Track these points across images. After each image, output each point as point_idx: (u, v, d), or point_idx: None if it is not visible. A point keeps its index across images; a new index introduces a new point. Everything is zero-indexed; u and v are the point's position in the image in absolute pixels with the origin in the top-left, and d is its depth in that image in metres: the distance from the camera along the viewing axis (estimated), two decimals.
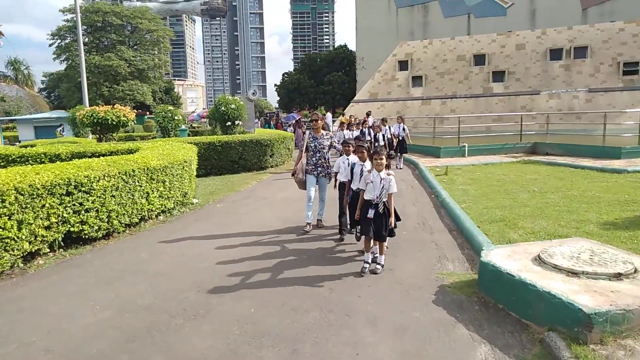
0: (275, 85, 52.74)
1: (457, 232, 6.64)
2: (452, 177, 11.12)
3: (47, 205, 5.75)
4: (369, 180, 5.07)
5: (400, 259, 5.58)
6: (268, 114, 38.87)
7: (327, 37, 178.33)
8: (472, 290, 4.44)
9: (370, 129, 13.22)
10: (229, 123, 15.44)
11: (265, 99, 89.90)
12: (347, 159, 6.18)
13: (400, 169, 13.69)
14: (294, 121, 27.47)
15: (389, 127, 14.04)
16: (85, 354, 3.54)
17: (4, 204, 5.20)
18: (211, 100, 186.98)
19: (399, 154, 14.12)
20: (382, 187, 5.00)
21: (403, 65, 33.27)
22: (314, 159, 7.12)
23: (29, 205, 5.51)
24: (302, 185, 7.27)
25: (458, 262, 5.38)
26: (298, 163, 7.14)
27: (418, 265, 5.34)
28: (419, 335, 3.65)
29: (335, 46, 59.79)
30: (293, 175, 7.24)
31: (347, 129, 13.09)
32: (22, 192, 5.44)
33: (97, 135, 15.31)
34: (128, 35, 51.79)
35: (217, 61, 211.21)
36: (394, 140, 13.92)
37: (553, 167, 12.27)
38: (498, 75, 30.14)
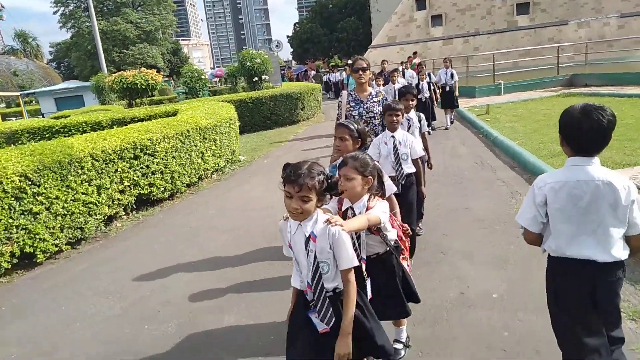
0: (288, 36, 51.42)
1: (519, 168, 6.61)
2: (494, 116, 10.93)
3: (119, 169, 5.88)
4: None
5: (470, 197, 5.61)
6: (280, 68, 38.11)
7: None
8: None
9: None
10: (256, 78, 15.24)
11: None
12: (393, 137, 3.81)
13: (447, 129, 10.56)
14: (301, 72, 27.35)
15: (429, 74, 11.17)
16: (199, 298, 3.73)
17: (83, 171, 5.33)
18: (217, 59, 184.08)
19: (447, 108, 10.84)
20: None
21: (421, 4, 31.97)
22: None
23: (104, 171, 5.64)
24: None
25: None
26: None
27: (492, 202, 5.37)
28: (520, 267, 3.73)
29: None
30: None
31: (379, 80, 9.34)
32: (97, 158, 5.55)
33: (127, 101, 15.32)
34: None
35: (219, 17, 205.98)
36: (437, 91, 10.90)
37: (597, 98, 11.92)
38: (522, 7, 28.83)
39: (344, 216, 2.33)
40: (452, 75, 10.70)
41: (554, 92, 13.97)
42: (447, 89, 10.72)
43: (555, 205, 1.92)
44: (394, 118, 3.72)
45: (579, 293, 1.95)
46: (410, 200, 3.80)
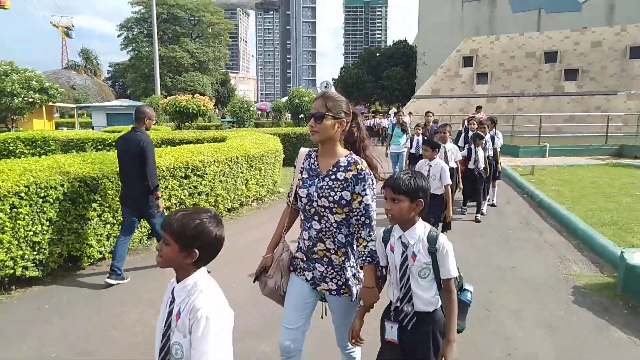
0: (333, 79, 52.90)
1: (567, 233, 6.40)
2: (539, 178, 10.73)
3: (169, 186, 6.05)
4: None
5: (517, 257, 5.45)
6: None
7: (380, 32, 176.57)
8: (613, 293, 4.27)
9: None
10: (302, 115, 15.62)
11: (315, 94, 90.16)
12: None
13: (495, 205, 8.29)
14: None
15: (493, 137, 8.30)
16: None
17: None
18: (262, 93, 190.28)
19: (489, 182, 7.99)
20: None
21: (467, 61, 32.38)
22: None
23: None
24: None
25: (582, 263, 5.19)
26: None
27: (540, 264, 5.20)
28: (572, 334, 3.56)
29: (389, 41, 59.06)
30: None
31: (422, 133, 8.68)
32: None
33: (176, 123, 15.93)
34: (191, 28, 53.42)
35: (268, 54, 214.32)
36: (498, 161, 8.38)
37: None
38: (570, 74, 28.69)
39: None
40: (493, 139, 8.21)
41: (602, 161, 13.64)
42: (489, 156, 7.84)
43: None
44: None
45: None
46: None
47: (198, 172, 6.55)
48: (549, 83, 29.25)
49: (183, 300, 1.54)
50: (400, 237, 2.08)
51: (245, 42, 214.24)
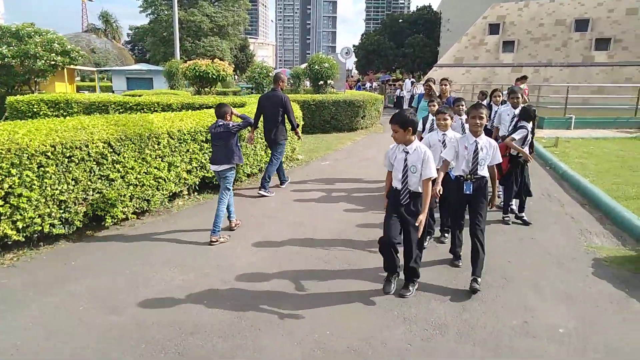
0: (354, 45, 51.69)
1: (590, 206, 6.29)
2: (563, 150, 10.47)
3: (190, 150, 6.11)
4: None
5: (537, 228, 5.40)
6: None
7: None
8: (635, 267, 4.22)
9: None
10: (322, 82, 15.41)
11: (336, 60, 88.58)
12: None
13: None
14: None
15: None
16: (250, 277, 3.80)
17: (159, 146, 5.59)
18: (280, 59, 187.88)
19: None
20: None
21: (494, 28, 31.25)
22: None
23: (177, 149, 5.88)
24: None
25: (604, 236, 5.12)
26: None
27: (561, 236, 5.14)
28: (591, 306, 3.55)
29: (412, 7, 57.21)
30: None
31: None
32: (173, 136, 5.80)
33: (196, 88, 15.90)
34: None
35: (288, 20, 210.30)
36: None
37: None
38: (602, 43, 27.50)
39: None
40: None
41: (629, 134, 13.20)
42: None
43: None
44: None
45: None
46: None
47: None
48: (578, 52, 28.13)
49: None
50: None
51: (265, 6, 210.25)
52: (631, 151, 10.44)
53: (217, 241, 4.80)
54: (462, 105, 5.62)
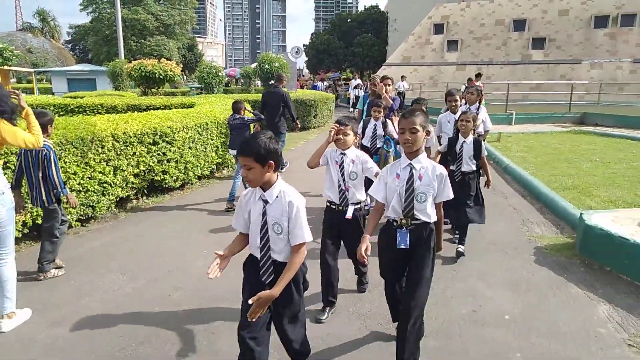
0: (304, 45, 51.75)
1: (531, 197, 6.65)
2: (505, 144, 11.02)
3: (137, 153, 5.90)
4: None
5: None
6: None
7: None
8: (572, 253, 4.50)
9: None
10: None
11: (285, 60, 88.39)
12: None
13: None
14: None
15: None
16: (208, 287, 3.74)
17: (103, 150, 5.36)
18: (230, 59, 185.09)
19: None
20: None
21: (438, 28, 32.28)
22: None
23: (123, 152, 5.67)
24: None
25: (544, 225, 5.43)
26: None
27: (504, 227, 5.40)
28: (533, 291, 3.75)
29: (360, 6, 57.98)
30: None
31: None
32: (118, 139, 5.58)
33: (142, 89, 15.38)
34: None
35: (237, 19, 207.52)
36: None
37: (608, 138, 12.04)
38: (538, 42, 29.08)
39: None
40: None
41: (564, 128, 14.08)
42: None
43: None
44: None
45: None
46: None
47: (167, 139, 6.39)
48: (517, 51, 29.61)
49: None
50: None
51: (213, 5, 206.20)
52: (566, 144, 11.14)
53: (231, 208, 5.78)
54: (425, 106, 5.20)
